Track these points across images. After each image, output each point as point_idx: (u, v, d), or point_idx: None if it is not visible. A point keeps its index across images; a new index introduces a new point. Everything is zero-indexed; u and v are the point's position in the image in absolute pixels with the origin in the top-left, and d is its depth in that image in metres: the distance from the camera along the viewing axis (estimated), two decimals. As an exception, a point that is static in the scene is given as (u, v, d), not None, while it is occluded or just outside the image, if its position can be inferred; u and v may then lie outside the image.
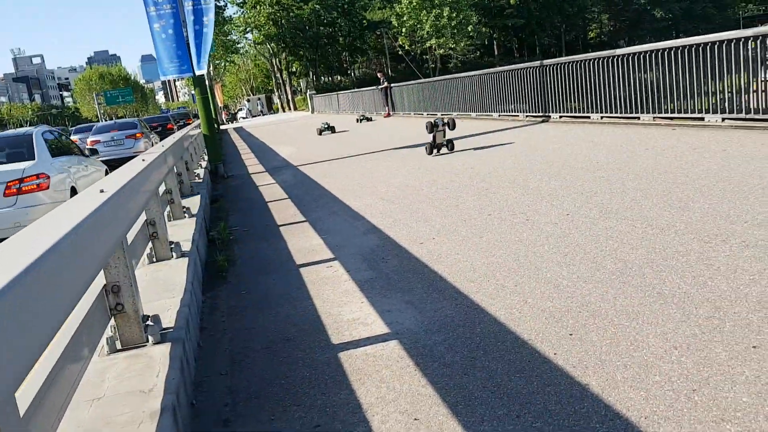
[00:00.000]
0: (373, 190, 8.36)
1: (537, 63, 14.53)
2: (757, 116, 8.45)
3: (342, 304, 4.18)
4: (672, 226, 4.65)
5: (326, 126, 20.64)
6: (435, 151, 10.79)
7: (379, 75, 27.98)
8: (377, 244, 5.60)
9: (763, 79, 8.47)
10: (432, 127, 10.64)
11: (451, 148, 10.84)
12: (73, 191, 8.42)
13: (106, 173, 10.07)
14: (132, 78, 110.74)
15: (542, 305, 3.60)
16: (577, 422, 2.42)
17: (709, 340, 2.87)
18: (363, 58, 68.53)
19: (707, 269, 3.72)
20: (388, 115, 25.73)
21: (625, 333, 3.08)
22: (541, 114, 14.12)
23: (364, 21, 63.16)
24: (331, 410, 2.83)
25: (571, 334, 3.17)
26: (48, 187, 7.86)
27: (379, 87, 26.78)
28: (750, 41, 8.49)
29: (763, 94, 8.53)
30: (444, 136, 10.83)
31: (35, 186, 7.73)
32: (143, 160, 5.02)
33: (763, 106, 8.47)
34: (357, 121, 24.14)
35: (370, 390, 2.94)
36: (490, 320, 3.52)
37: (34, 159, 8.19)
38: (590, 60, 12.14)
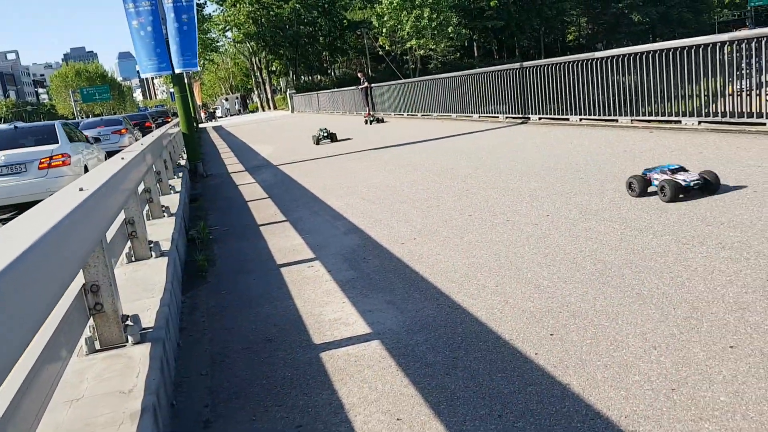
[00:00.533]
0: (354, 190, 8.36)
1: (516, 65, 14.62)
2: (732, 120, 8.59)
3: (323, 304, 4.17)
4: (650, 228, 4.71)
5: (325, 133, 15.83)
6: None
7: (359, 75, 27.91)
8: (358, 244, 5.60)
9: (739, 89, 8.60)
10: None
11: None
12: (86, 168, 10.81)
13: (106, 158, 11.94)
14: (109, 75, 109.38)
15: (523, 305, 3.63)
16: (559, 422, 2.44)
17: (688, 340, 2.91)
18: (343, 58, 68.46)
19: (685, 270, 3.77)
20: (369, 115, 25.72)
21: (605, 333, 3.11)
22: (520, 116, 14.21)
23: (345, 21, 63.12)
24: (313, 411, 2.82)
25: (551, 334, 3.19)
26: (70, 164, 10.33)
27: (360, 87, 26.73)
28: (725, 46, 8.62)
29: (738, 98, 8.66)
30: None
31: (61, 162, 10.25)
32: (122, 158, 4.97)
33: (739, 109, 8.60)
34: (366, 122, 20.99)
35: (352, 390, 2.94)
36: (472, 320, 3.53)
37: (57, 143, 10.62)
38: (569, 62, 12.24)
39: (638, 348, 2.91)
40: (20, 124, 13.10)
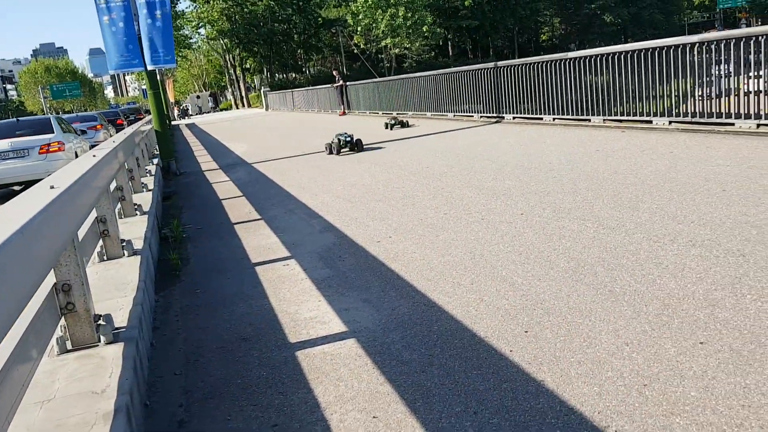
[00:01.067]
0: (329, 189, 8.34)
1: (491, 64, 14.71)
2: (702, 120, 8.74)
3: (299, 303, 4.16)
4: (622, 226, 4.78)
5: (346, 139, 12.03)
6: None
7: (334, 73, 27.89)
8: (334, 243, 5.59)
9: (708, 93, 8.76)
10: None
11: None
12: (76, 154, 12.91)
13: (90, 149, 13.15)
14: (80, 72, 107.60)
15: (498, 303, 3.65)
16: (533, 418, 2.46)
17: (659, 336, 2.96)
18: (318, 56, 68.25)
19: (656, 268, 3.83)
20: (344, 113, 25.70)
21: (579, 330, 3.15)
22: (495, 115, 14.30)
23: (320, 19, 62.92)
24: (289, 409, 2.81)
25: (526, 332, 3.22)
26: (64, 150, 12.56)
27: (335, 85, 26.70)
28: (695, 47, 8.77)
29: (708, 99, 8.82)
30: None
31: (57, 148, 12.46)
32: (94, 155, 4.89)
33: (708, 110, 8.76)
34: (387, 126, 16.20)
35: (328, 389, 2.94)
36: (447, 318, 3.55)
37: (53, 133, 12.84)
38: (542, 62, 12.36)
39: (611, 344, 2.95)
40: (21, 118, 15.25)
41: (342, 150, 12.01)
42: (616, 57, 10.29)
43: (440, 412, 2.60)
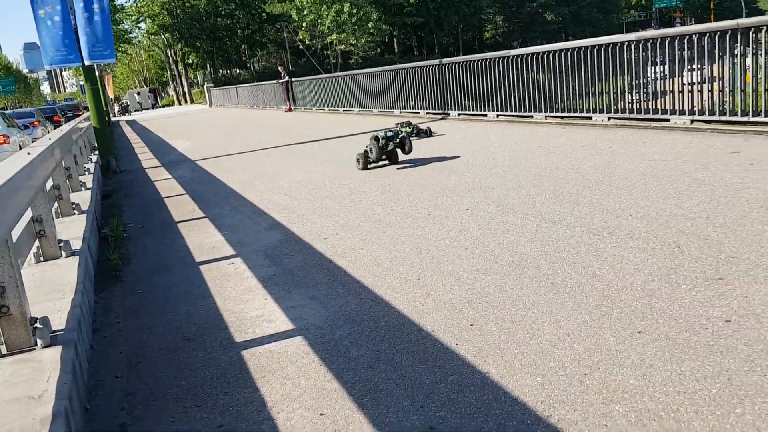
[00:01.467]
0: (276, 186, 8.26)
1: (436, 61, 14.83)
2: (639, 116, 9.02)
3: (245, 302, 4.11)
4: (564, 220, 4.89)
5: (390, 135, 8.40)
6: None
7: (280, 69, 27.64)
8: (280, 240, 5.54)
9: (646, 93, 9.05)
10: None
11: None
12: (20, 147, 14.02)
13: (31, 142, 14.16)
14: (14, 67, 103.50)
15: (444, 297, 3.69)
16: (479, 409, 2.50)
17: (599, 326, 3.05)
18: (263, 52, 67.47)
19: (596, 260, 3.94)
20: (289, 109, 25.49)
21: (522, 322, 3.21)
22: (440, 111, 14.43)
23: (264, 14, 62.18)
24: (235, 409, 2.78)
25: (471, 325, 3.27)
26: (9, 143, 13.98)
27: (280, 81, 26.46)
28: (633, 45, 9.04)
29: (645, 96, 9.12)
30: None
31: (2, 141, 13.99)
32: (28, 153, 4.72)
33: (645, 107, 9.05)
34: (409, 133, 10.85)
35: (274, 387, 2.91)
36: (394, 313, 3.57)
37: None
38: (486, 60, 12.52)
39: (553, 335, 3.02)
40: None
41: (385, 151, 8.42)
42: (557, 55, 10.51)
43: (387, 407, 2.61)
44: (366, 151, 8.47)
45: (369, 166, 8.45)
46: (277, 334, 3.53)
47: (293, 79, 26.29)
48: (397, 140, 8.39)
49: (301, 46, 62.46)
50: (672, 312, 3.08)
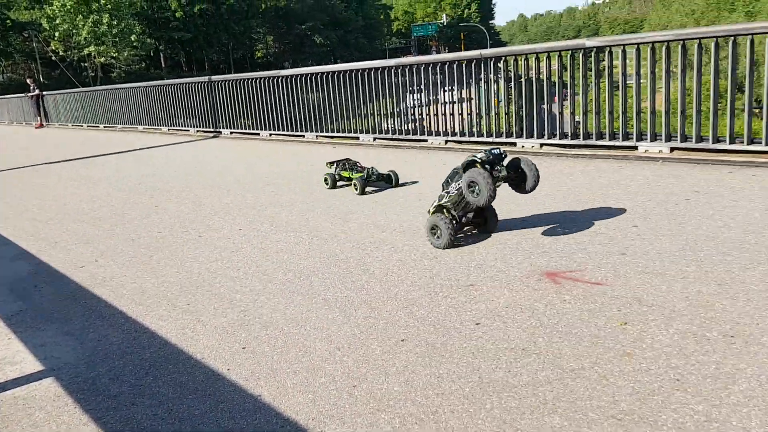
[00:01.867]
0: (23, 210, 7.41)
1: (205, 78, 14.47)
2: (401, 137, 9.65)
3: (-17, 344, 3.61)
4: (335, 237, 5.03)
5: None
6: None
7: (29, 81, 24.95)
8: (29, 271, 4.97)
9: (406, 118, 9.72)
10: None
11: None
12: None
13: None
14: None
15: (216, 322, 3.58)
16: (251, 434, 2.45)
17: (366, 337, 3.17)
18: (8, 62, 60.46)
19: (364, 274, 4.10)
20: (41, 125, 23.13)
21: (295, 340, 3.23)
22: (212, 129, 14.09)
23: (8, 21, 55.83)
24: (-30, 470, 2.42)
25: (244, 348, 3.20)
26: None
27: (30, 94, 23.90)
28: (392, 70, 9.65)
29: (406, 117, 9.79)
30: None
31: None
32: None
33: (406, 128, 9.70)
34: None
35: (20, 438, 2.59)
36: (161, 343, 3.37)
37: None
38: (257, 78, 12.51)
39: (324, 351, 3.07)
40: None
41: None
42: (326, 76, 10.84)
43: (153, 444, 2.45)
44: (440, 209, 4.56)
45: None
46: (23, 377, 3.14)
47: (45, 93, 23.92)
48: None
49: (53, 57, 57.03)
50: (431, 319, 3.31)
